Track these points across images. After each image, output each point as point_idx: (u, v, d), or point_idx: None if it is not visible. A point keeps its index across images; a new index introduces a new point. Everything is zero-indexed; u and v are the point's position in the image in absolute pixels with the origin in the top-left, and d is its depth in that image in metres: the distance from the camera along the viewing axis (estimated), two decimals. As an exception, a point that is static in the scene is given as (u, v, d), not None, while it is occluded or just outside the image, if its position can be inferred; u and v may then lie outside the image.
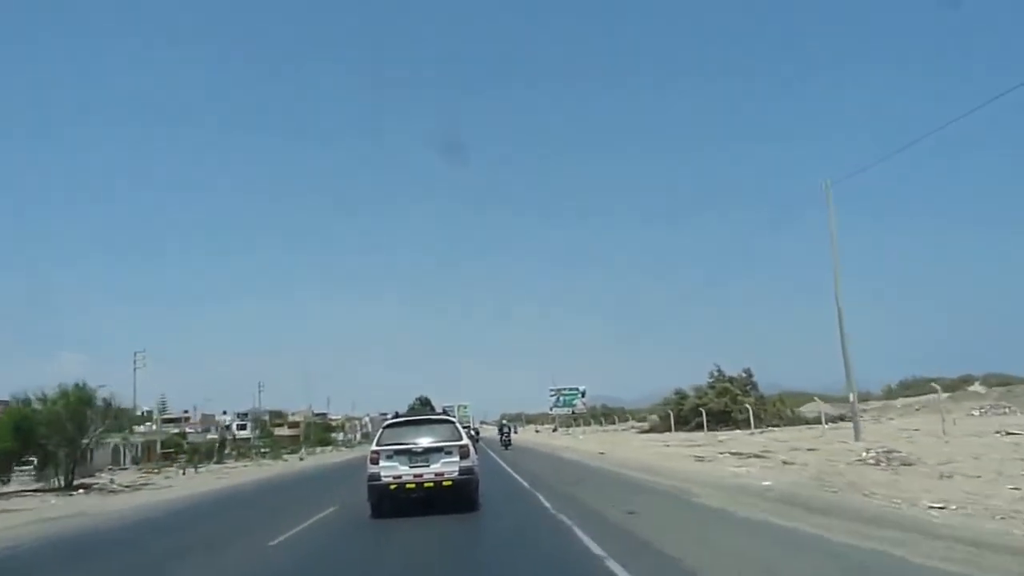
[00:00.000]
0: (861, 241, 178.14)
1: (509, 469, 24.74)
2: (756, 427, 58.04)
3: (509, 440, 53.64)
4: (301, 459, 50.88)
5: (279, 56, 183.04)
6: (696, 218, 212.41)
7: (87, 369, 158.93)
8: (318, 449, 76.17)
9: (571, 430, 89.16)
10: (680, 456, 28.01)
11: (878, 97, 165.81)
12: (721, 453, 27.90)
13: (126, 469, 49.31)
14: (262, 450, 58.79)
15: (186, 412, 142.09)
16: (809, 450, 27.24)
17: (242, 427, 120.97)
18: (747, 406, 54.37)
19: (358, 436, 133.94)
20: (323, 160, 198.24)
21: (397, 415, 15.39)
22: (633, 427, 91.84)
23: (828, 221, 30.14)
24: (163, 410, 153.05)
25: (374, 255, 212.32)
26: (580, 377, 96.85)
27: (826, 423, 56.66)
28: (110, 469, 54.21)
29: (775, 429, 54.34)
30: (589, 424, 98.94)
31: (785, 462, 22.34)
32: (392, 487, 12.72)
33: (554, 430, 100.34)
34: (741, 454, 27.24)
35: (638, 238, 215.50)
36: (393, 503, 12.98)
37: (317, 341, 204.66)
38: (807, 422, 59.11)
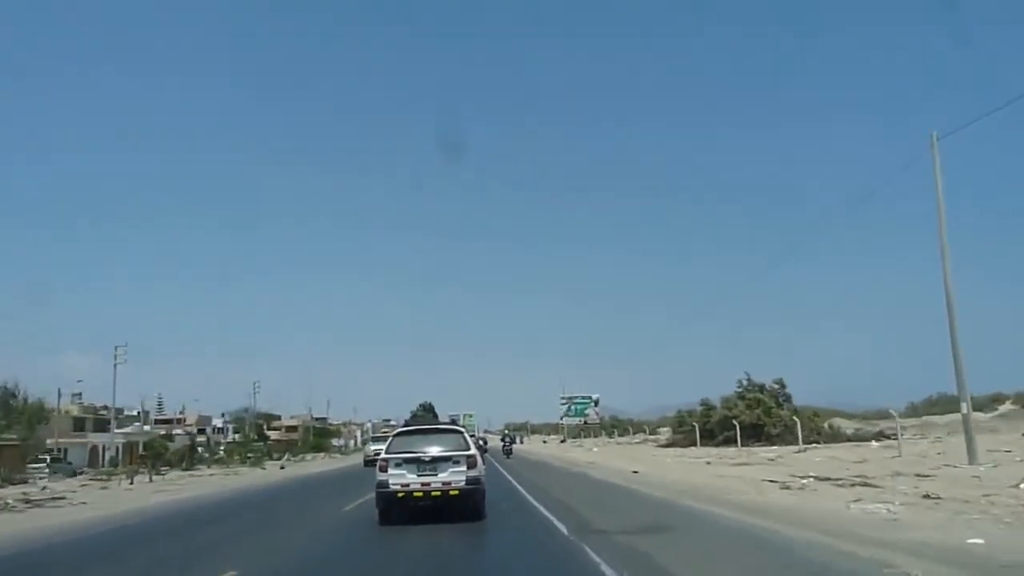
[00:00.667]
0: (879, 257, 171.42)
1: (530, 497, 17.60)
2: (790, 443, 51.05)
3: (510, 449, 53.15)
4: (282, 467, 43.91)
5: (281, 59, 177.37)
6: (702, 237, 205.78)
7: (94, 369, 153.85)
8: (308, 456, 68.89)
9: (582, 441, 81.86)
10: (746, 480, 20.97)
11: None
12: (803, 478, 20.82)
13: (82, 473, 42.36)
14: (247, 455, 51.73)
15: (181, 413, 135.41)
16: (919, 476, 20.21)
17: (238, 430, 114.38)
18: (794, 419, 47.41)
19: (356, 442, 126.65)
20: (324, 163, 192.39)
21: (408, 423, 15.71)
22: (647, 440, 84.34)
23: (935, 182, 23.11)
24: (160, 410, 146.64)
25: (379, 260, 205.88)
26: (585, 389, 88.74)
27: (875, 441, 49.77)
28: (82, 472, 47.26)
29: (818, 446, 47.33)
30: (598, 436, 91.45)
31: (928, 496, 15.34)
32: (400, 495, 12.52)
33: (562, 441, 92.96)
34: (833, 480, 20.21)
35: (645, 251, 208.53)
36: (400, 510, 12.73)
37: (320, 345, 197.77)
38: (848, 438, 52.03)
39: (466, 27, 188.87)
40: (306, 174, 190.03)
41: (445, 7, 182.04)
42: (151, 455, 44.53)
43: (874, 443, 45.82)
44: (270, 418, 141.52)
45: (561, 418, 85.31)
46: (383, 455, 13.17)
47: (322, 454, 73.34)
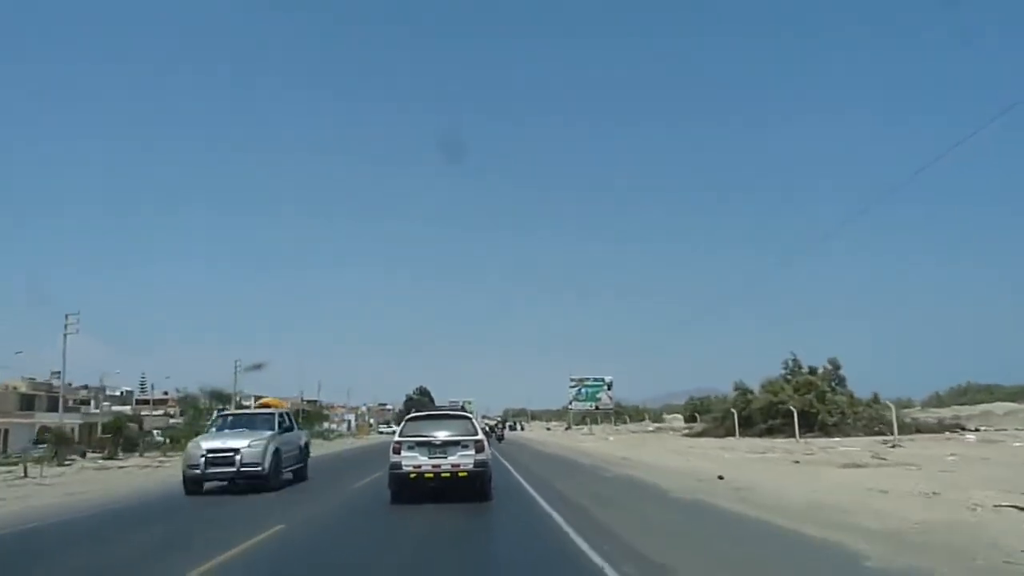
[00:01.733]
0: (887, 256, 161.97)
1: (596, 554, 7.60)
2: (849, 433, 41.26)
3: (503, 435, 51.55)
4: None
5: (283, 53, 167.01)
6: (702, 234, 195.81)
7: (94, 352, 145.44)
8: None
9: (592, 429, 71.82)
10: (955, 504, 11.08)
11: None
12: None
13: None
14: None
15: (165, 393, 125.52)
16: None
17: (183, 412, 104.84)
18: (888, 404, 37.75)
19: (350, 425, 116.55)
20: (325, 148, 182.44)
21: (418, 409, 16.20)
22: (661, 428, 74.44)
23: None
24: (143, 390, 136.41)
25: (380, 249, 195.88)
26: (588, 374, 76.46)
27: (961, 432, 39.99)
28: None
29: (888, 437, 37.59)
30: (606, 423, 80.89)
31: None
32: (412, 476, 12.61)
33: (567, 428, 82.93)
34: None
35: (644, 245, 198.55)
36: (412, 490, 12.71)
37: (312, 327, 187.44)
38: (918, 429, 42.22)
39: (468, 26, 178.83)
40: (307, 164, 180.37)
41: (446, 6, 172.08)
42: (52, 438, 34.55)
43: (969, 436, 36.06)
44: (257, 400, 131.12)
45: (570, 402, 74.64)
46: (396, 438, 13.06)
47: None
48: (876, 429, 41.72)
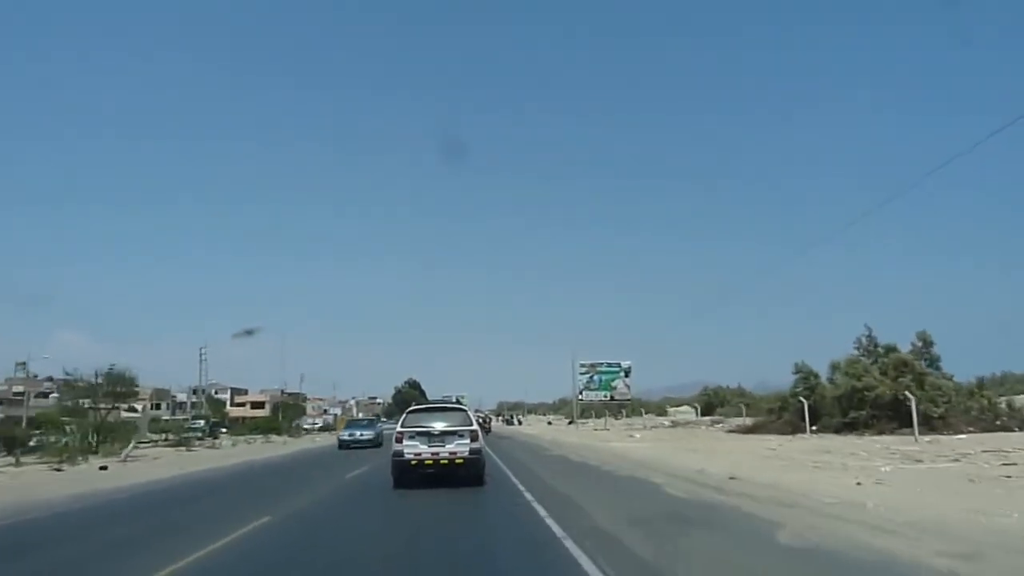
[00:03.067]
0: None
1: None
2: (956, 430, 30.24)
3: (489, 428, 50.19)
4: (103, 468, 22.37)
5: (283, 45, 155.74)
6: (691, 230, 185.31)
7: (87, 348, 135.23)
8: (225, 441, 47.25)
9: (605, 423, 60.45)
10: None
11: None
12: None
13: None
14: (75, 440, 29.68)
15: (137, 387, 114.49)
16: None
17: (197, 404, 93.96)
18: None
19: (332, 419, 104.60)
20: (315, 136, 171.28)
21: (417, 403, 18.80)
22: (676, 423, 63.12)
23: None
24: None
25: (371, 241, 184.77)
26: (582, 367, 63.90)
27: None
28: None
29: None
30: (603, 416, 68.73)
31: None
32: (413, 463, 13.44)
33: (570, 422, 71.55)
34: None
35: (647, 228, 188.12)
36: (412, 476, 13.50)
37: (301, 318, 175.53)
38: (1045, 425, 31.35)
39: (467, 15, 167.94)
40: (295, 152, 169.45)
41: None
42: None
43: None
44: (235, 392, 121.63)
45: (579, 392, 62.74)
46: (398, 428, 13.87)
47: (259, 437, 51.88)
48: (997, 423, 30.89)
